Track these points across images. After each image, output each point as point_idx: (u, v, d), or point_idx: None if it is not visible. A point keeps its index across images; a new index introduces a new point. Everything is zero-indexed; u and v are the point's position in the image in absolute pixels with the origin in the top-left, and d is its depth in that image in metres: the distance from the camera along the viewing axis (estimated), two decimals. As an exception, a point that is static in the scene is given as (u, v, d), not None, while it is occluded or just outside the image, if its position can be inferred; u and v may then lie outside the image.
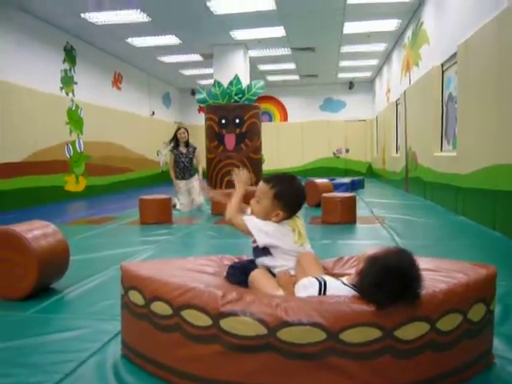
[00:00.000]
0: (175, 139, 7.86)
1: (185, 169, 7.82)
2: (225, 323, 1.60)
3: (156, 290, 1.78)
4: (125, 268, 2.02)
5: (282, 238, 2.03)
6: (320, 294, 1.72)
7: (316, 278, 1.78)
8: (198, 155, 8.01)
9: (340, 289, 1.73)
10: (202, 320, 1.63)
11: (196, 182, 7.86)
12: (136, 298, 1.87)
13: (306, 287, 1.77)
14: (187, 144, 7.90)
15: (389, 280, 1.55)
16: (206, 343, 1.63)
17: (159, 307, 1.76)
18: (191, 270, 1.97)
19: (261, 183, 2.15)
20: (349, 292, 1.70)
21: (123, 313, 2.03)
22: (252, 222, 2.06)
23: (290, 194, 2.07)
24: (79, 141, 11.33)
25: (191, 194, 7.85)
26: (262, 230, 2.03)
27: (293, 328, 1.54)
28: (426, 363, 1.62)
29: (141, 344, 1.89)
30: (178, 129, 7.96)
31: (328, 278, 1.80)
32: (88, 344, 2.17)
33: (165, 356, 1.76)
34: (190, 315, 1.66)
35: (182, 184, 7.81)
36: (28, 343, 2.21)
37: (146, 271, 1.91)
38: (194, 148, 7.97)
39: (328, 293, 1.72)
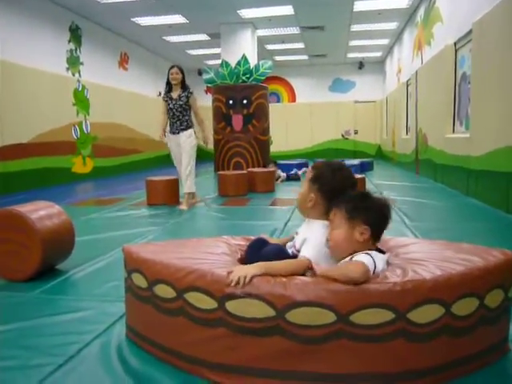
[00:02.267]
0: (167, 83, 6.05)
1: (174, 118, 5.99)
2: (230, 305, 1.53)
3: (158, 272, 1.72)
4: (127, 250, 1.97)
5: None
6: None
7: (366, 253, 1.65)
8: (195, 103, 6.08)
9: (378, 256, 1.69)
10: (207, 303, 1.57)
11: (186, 140, 5.93)
12: (139, 280, 1.82)
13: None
14: (184, 88, 6.03)
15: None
16: (212, 327, 1.58)
17: (162, 290, 1.70)
18: (196, 251, 1.91)
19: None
20: (387, 257, 1.73)
21: (127, 296, 1.98)
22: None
23: (327, 177, 1.85)
24: (86, 122, 11.26)
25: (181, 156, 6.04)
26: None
27: (302, 309, 1.48)
28: (442, 348, 1.56)
29: (145, 327, 1.84)
30: (171, 67, 6.02)
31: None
32: (92, 326, 2.14)
33: (169, 340, 1.71)
34: (194, 298, 1.60)
35: (168, 140, 6.14)
36: (31, 325, 2.18)
37: (148, 253, 1.85)
38: (190, 92, 6.03)
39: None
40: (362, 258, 1.62)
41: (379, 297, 1.48)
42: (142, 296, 1.82)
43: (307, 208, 1.88)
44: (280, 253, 1.83)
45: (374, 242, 1.75)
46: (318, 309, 1.47)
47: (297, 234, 1.96)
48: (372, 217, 1.72)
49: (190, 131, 5.97)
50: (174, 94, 5.99)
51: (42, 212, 3.00)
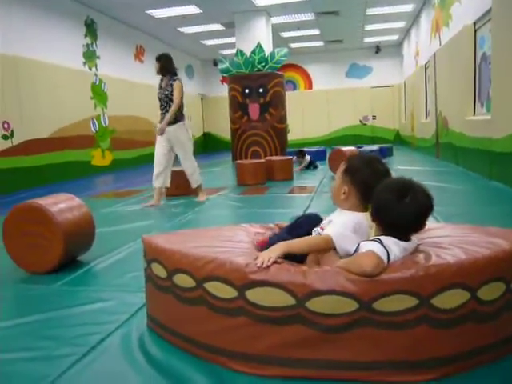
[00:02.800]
0: None
1: (161, 109, 5.60)
2: (251, 294, 1.52)
3: (177, 262, 1.71)
4: (146, 240, 1.96)
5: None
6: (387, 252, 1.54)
7: (375, 240, 1.57)
8: (175, 89, 5.46)
9: (390, 241, 1.58)
10: (227, 292, 1.56)
11: (175, 133, 5.44)
12: (158, 270, 1.81)
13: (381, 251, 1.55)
14: (171, 76, 5.61)
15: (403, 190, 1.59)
16: (232, 316, 1.57)
17: (182, 279, 1.69)
18: (214, 239, 1.89)
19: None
20: (408, 245, 1.63)
21: (147, 286, 1.99)
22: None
23: (360, 169, 1.81)
24: (104, 115, 11.34)
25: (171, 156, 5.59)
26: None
27: (323, 298, 1.46)
28: (467, 335, 1.52)
29: (165, 317, 1.85)
30: None
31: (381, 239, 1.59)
32: (114, 316, 2.15)
33: (190, 329, 1.71)
34: (214, 287, 1.59)
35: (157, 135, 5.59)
36: (55, 316, 2.20)
37: (167, 243, 1.84)
38: (174, 79, 5.53)
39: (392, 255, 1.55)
40: (371, 246, 1.55)
41: (402, 283, 1.45)
42: (161, 286, 1.82)
43: (341, 200, 1.85)
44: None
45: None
46: (339, 297, 1.45)
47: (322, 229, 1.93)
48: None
49: (181, 123, 5.49)
50: (163, 83, 5.61)
51: (62, 205, 3.03)
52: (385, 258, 1.52)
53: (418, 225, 1.64)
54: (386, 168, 1.86)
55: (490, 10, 6.25)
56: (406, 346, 1.48)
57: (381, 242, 1.55)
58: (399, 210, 1.58)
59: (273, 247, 1.63)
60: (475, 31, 7.39)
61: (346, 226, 1.73)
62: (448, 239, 1.77)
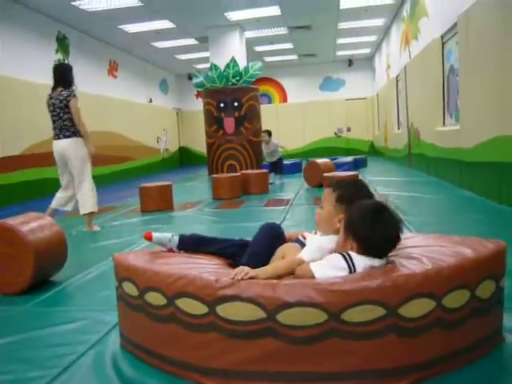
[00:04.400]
0: None
1: (54, 124, 4.90)
2: (221, 309, 1.53)
3: (149, 280, 1.71)
4: (117, 259, 1.96)
5: None
6: (351, 270, 1.61)
7: (341, 255, 1.65)
8: (73, 105, 4.77)
9: (357, 258, 1.65)
10: (198, 308, 1.56)
11: (68, 149, 4.89)
12: (130, 289, 1.81)
13: (336, 267, 1.62)
14: (64, 86, 4.83)
15: (375, 215, 1.66)
16: (204, 332, 1.57)
17: (153, 297, 1.69)
18: (186, 256, 1.90)
19: (325, 190, 2.05)
20: (365, 259, 1.66)
21: (119, 305, 1.97)
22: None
23: (352, 195, 1.90)
24: (77, 131, 11.21)
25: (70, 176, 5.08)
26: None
27: (292, 310, 1.47)
28: (434, 342, 1.55)
29: (138, 335, 1.83)
30: None
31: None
32: (87, 336, 2.13)
33: (163, 347, 1.70)
34: (185, 304, 1.59)
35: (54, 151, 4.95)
36: (26, 338, 2.16)
37: (138, 261, 1.84)
38: (69, 92, 4.79)
39: (356, 265, 1.63)
40: (332, 257, 1.68)
41: (370, 293, 1.47)
42: (133, 304, 1.81)
43: (335, 228, 1.87)
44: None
45: (364, 252, 1.72)
46: (309, 309, 1.46)
47: (304, 237, 2.00)
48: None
49: (74, 139, 4.91)
50: (54, 93, 4.87)
51: (33, 224, 2.98)
52: (346, 269, 1.61)
53: (390, 247, 1.72)
54: (366, 186, 2.07)
55: (456, 24, 6.45)
56: (375, 356, 1.50)
57: (346, 258, 1.63)
58: (373, 236, 1.66)
59: (260, 271, 1.67)
60: (443, 44, 7.61)
61: (323, 247, 1.82)
62: (416, 249, 1.81)
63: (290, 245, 1.99)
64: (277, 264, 1.80)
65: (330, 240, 1.84)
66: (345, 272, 1.61)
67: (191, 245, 2.11)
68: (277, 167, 9.37)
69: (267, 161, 9.61)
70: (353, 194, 1.90)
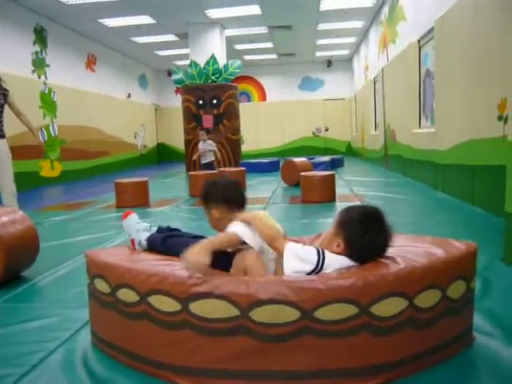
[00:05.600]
0: None
1: None
2: (194, 307, 1.52)
3: (121, 277, 1.69)
4: (89, 256, 1.93)
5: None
6: (317, 267, 1.60)
7: (317, 250, 1.64)
8: (13, 102, 5.02)
9: (334, 258, 1.64)
10: (170, 305, 1.55)
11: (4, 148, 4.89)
12: (102, 286, 1.78)
13: (303, 259, 1.61)
14: None
15: (370, 222, 1.66)
16: (176, 329, 1.56)
17: (125, 294, 1.67)
18: (160, 253, 1.88)
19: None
20: (344, 260, 1.65)
21: (90, 302, 1.95)
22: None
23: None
24: (53, 125, 11.04)
25: None
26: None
27: (265, 307, 1.47)
28: (406, 341, 1.57)
29: (110, 333, 1.81)
30: None
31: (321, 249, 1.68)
32: (57, 333, 2.09)
33: (134, 345, 1.69)
34: (158, 301, 1.58)
35: None
36: (-6, 334, 2.11)
37: (110, 258, 1.82)
38: (4, 90, 4.89)
39: (326, 264, 1.61)
40: (308, 248, 1.68)
41: (342, 292, 1.48)
42: (105, 301, 1.78)
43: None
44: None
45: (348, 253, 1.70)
46: (282, 306, 1.47)
47: None
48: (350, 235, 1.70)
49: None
50: None
51: (4, 218, 2.92)
52: (314, 260, 1.61)
53: (374, 256, 1.70)
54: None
55: (432, 29, 6.55)
56: (348, 354, 1.51)
57: (319, 254, 1.63)
58: (361, 241, 1.66)
59: (195, 248, 1.57)
60: (419, 48, 7.72)
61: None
62: (389, 249, 1.83)
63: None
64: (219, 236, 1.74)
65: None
66: (310, 267, 1.60)
67: (167, 232, 2.09)
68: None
69: (200, 162, 9.02)
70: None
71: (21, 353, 1.91)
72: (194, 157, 9.20)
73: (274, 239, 1.72)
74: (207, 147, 8.85)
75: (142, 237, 2.05)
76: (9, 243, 2.78)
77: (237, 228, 1.72)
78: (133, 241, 2.08)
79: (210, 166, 8.78)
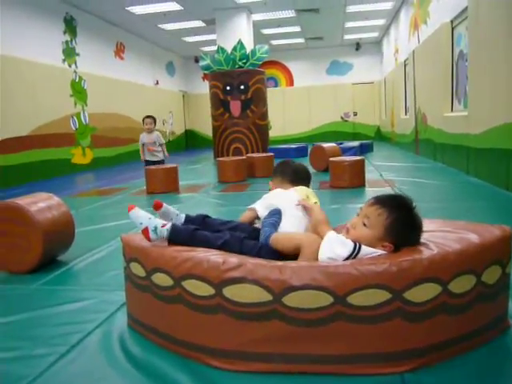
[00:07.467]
0: None
1: None
2: (228, 291, 1.54)
3: (155, 261, 1.72)
4: (125, 240, 1.97)
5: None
6: (352, 255, 1.62)
7: (354, 244, 1.65)
8: None
9: (369, 249, 1.66)
10: (204, 289, 1.57)
11: None
12: (137, 269, 1.82)
13: (344, 243, 1.64)
14: None
15: (414, 216, 1.70)
16: (210, 313, 1.58)
17: (160, 278, 1.70)
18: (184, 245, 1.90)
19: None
20: (378, 251, 1.66)
21: (127, 285, 1.99)
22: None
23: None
24: (84, 113, 11.24)
25: None
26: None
27: (298, 293, 1.48)
28: (439, 327, 1.56)
29: (145, 315, 1.86)
30: None
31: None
32: (94, 315, 2.15)
33: (169, 327, 1.72)
34: (192, 285, 1.60)
35: None
36: (33, 316, 2.19)
37: (145, 242, 1.85)
38: None
39: (361, 254, 1.63)
40: (340, 239, 1.69)
41: (375, 277, 1.48)
42: (140, 285, 1.83)
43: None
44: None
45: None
46: (315, 291, 1.47)
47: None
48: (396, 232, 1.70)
49: None
50: None
51: (41, 204, 3.00)
52: (350, 246, 1.64)
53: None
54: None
55: (466, 8, 6.35)
56: (380, 339, 1.51)
57: (355, 248, 1.64)
58: (408, 243, 1.69)
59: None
60: (452, 29, 7.51)
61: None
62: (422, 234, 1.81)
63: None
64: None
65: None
66: (345, 254, 1.61)
67: (196, 223, 2.03)
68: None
69: (145, 159, 7.24)
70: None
71: (60, 333, 1.97)
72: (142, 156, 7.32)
73: (320, 223, 1.87)
74: (154, 139, 7.13)
75: (159, 223, 1.85)
76: (45, 228, 2.87)
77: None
78: (146, 230, 1.83)
79: (157, 164, 7.03)
